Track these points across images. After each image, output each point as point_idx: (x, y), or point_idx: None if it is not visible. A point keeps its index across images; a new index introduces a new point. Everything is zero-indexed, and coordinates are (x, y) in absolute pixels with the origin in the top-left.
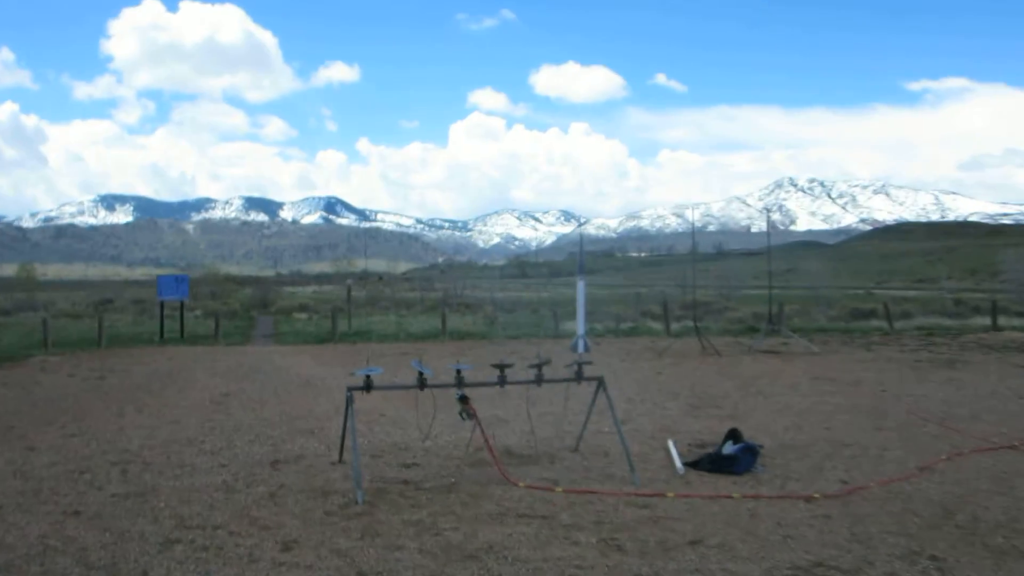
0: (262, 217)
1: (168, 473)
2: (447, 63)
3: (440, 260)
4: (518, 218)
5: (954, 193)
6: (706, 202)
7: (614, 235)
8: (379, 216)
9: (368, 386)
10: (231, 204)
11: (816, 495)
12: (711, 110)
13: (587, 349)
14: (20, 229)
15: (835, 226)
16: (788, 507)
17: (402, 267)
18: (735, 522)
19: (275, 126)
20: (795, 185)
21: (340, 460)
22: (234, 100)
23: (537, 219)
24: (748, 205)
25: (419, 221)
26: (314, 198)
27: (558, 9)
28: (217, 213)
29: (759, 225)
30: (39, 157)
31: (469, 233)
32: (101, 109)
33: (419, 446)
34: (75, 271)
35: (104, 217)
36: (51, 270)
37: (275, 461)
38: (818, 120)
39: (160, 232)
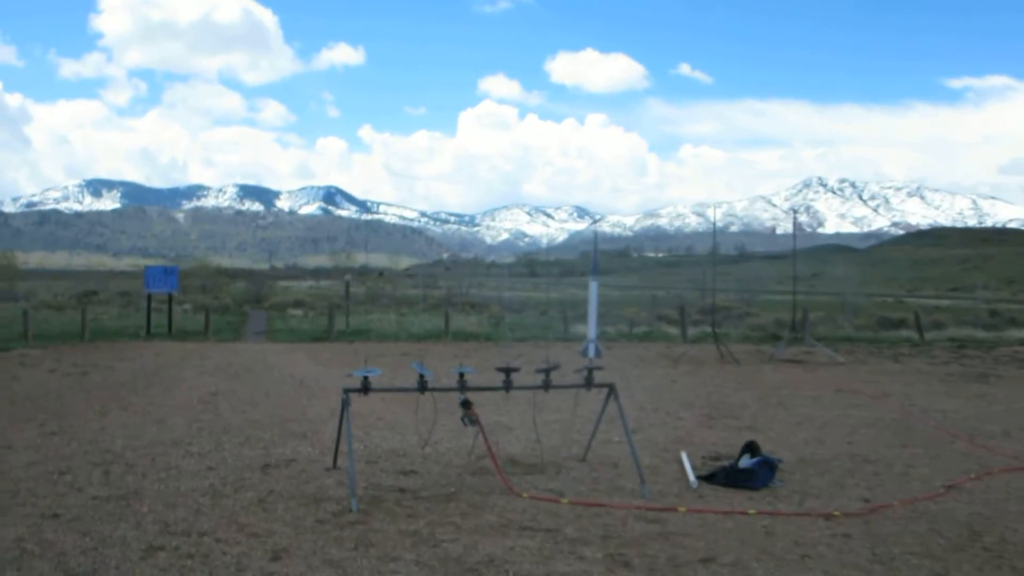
0: (257, 207)
1: (152, 476)
2: (457, 47)
3: (445, 256)
4: (529, 213)
5: (993, 198)
6: (729, 201)
7: (630, 233)
8: (381, 208)
9: (365, 388)
10: (225, 192)
11: (836, 513)
12: (737, 104)
13: (598, 354)
14: (1, 214)
15: (865, 229)
16: (806, 525)
17: (404, 263)
18: (750, 540)
19: (273, 110)
20: (824, 185)
21: (334, 466)
22: (230, 82)
23: (549, 215)
24: (773, 205)
25: (423, 214)
26: (313, 187)
27: None
28: (210, 201)
29: (785, 227)
30: (22, 138)
31: (476, 228)
32: (89, 89)
33: (418, 453)
34: (58, 260)
35: (90, 203)
36: (33, 258)
37: (265, 465)
38: (851, 117)
39: (149, 220)
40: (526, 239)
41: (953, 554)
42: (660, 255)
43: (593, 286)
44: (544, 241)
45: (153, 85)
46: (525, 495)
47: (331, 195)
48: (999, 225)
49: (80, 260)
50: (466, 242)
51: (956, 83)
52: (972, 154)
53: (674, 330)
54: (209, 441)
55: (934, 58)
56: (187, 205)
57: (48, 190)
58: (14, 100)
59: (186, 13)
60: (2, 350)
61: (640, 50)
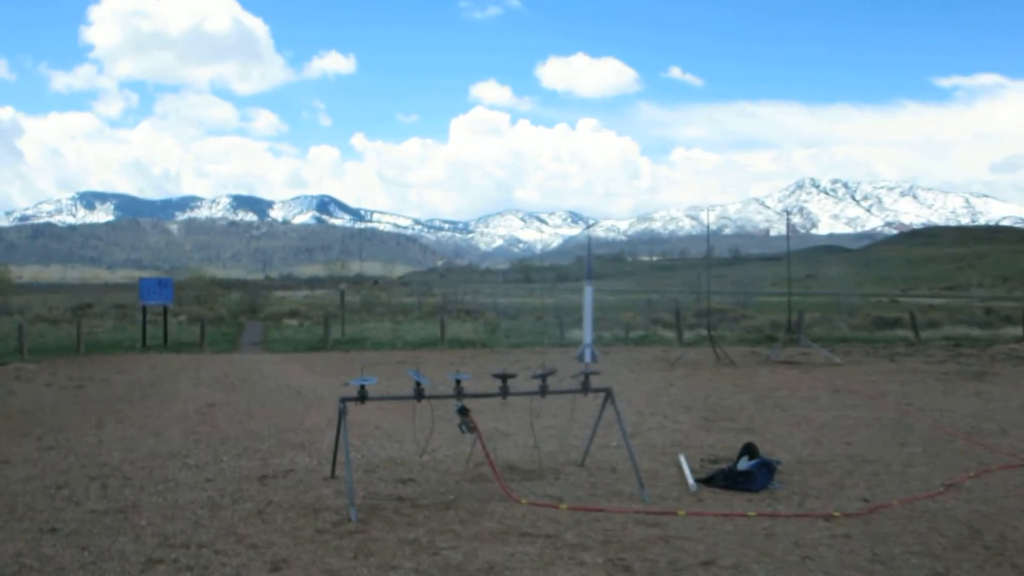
0: (251, 217)
1: (150, 488)
2: (448, 54)
3: (439, 263)
4: (522, 219)
5: (986, 196)
6: (722, 203)
7: (624, 238)
8: (375, 216)
9: (362, 397)
10: (218, 203)
11: (836, 514)
12: (729, 106)
13: (594, 359)
14: None
15: (859, 230)
16: (806, 526)
17: (399, 270)
18: (750, 542)
19: (265, 120)
20: (817, 186)
21: (332, 475)
22: (222, 92)
23: (542, 220)
24: (767, 207)
25: (417, 222)
26: (306, 197)
27: None
28: (203, 212)
29: (778, 228)
30: (14, 152)
31: (470, 235)
32: (81, 101)
33: (416, 461)
34: (53, 273)
35: (83, 216)
36: (27, 272)
37: (263, 476)
38: (842, 117)
39: (143, 232)
40: (520, 245)
41: (953, 553)
42: (654, 259)
43: (588, 291)
44: (538, 247)
45: (144, 96)
46: (524, 501)
47: (324, 204)
48: (992, 223)
49: (74, 273)
50: (460, 249)
51: (946, 82)
52: (964, 153)
53: (670, 334)
54: (206, 453)
55: (923, 57)
56: (181, 216)
57: (41, 203)
58: (6, 113)
59: (177, 24)
60: None
61: (630, 54)
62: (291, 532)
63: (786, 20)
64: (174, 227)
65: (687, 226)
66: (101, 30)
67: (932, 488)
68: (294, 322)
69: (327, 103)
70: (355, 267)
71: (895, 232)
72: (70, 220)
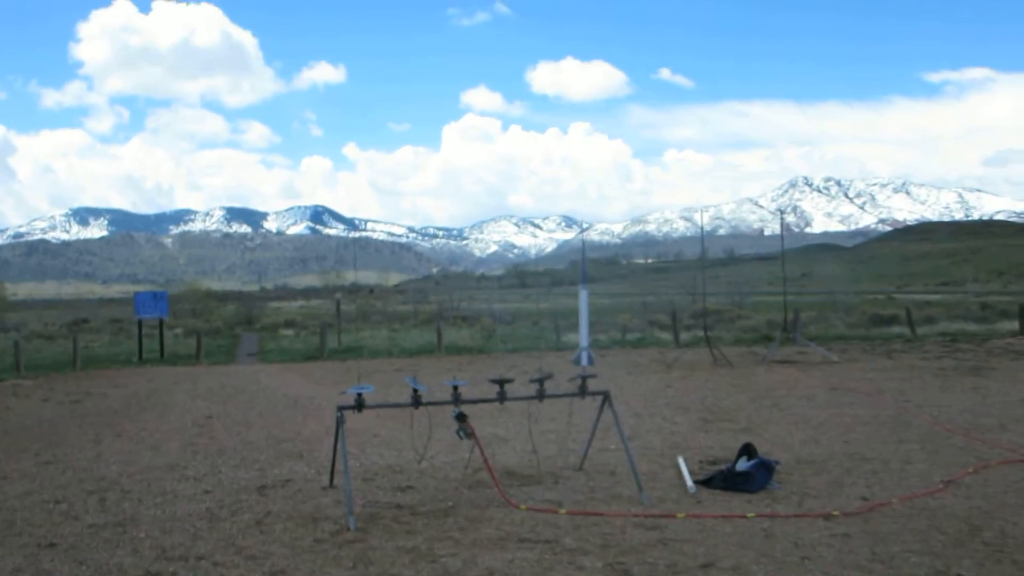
0: (245, 228)
1: (148, 501)
2: (438, 61)
3: (434, 271)
4: (516, 225)
5: (978, 191)
6: (716, 204)
7: (619, 241)
8: (369, 225)
9: (359, 405)
10: (212, 215)
11: (835, 513)
12: (719, 106)
13: (591, 362)
14: None
15: (853, 227)
16: (805, 526)
17: (394, 279)
18: (749, 543)
19: (257, 132)
20: (810, 184)
21: (331, 484)
22: (212, 105)
23: (537, 225)
24: (760, 207)
25: (411, 230)
26: (299, 207)
27: (554, 2)
28: (197, 225)
29: (772, 228)
30: (7, 169)
31: (465, 242)
32: (72, 117)
33: (414, 468)
34: (48, 290)
35: (77, 232)
36: (22, 289)
37: (262, 487)
38: (833, 115)
39: (137, 247)
40: (515, 250)
41: (953, 550)
42: (649, 261)
43: (583, 295)
44: (533, 252)
45: (135, 111)
46: (523, 507)
47: (318, 214)
48: (986, 218)
49: (69, 289)
50: (455, 256)
51: (935, 77)
52: (956, 147)
53: (667, 335)
54: (204, 464)
55: (913, 52)
56: (175, 230)
57: (35, 220)
58: None
59: (166, 38)
60: None
61: (620, 56)
62: (290, 542)
63: (775, 18)
64: (168, 241)
65: (681, 228)
66: (90, 46)
67: (931, 485)
68: (290, 332)
69: (318, 113)
70: (350, 276)
71: (889, 229)
72: (64, 236)
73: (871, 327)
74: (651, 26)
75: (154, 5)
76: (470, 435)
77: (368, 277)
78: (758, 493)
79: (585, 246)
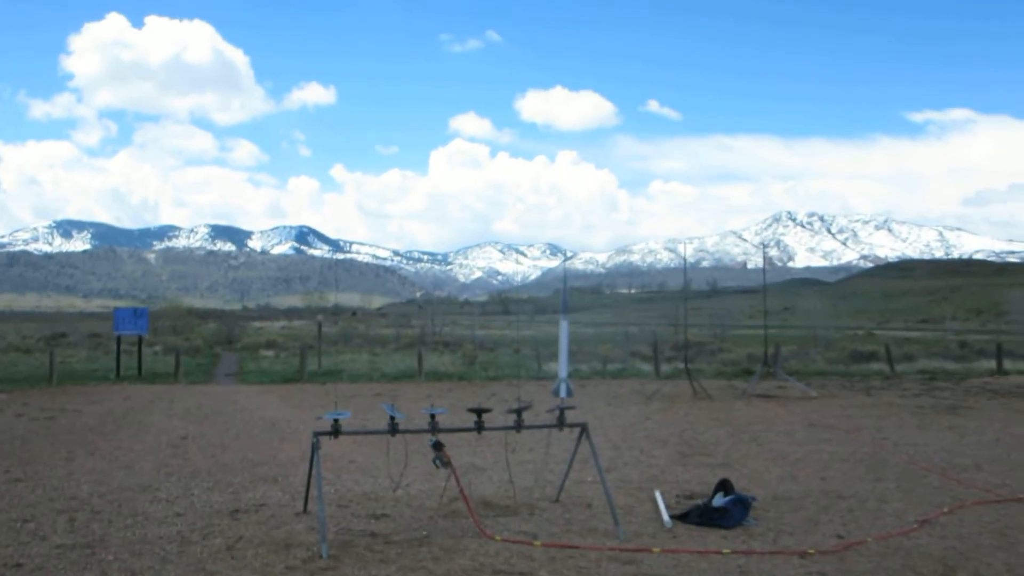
0: (229, 247)
1: (119, 523)
2: (428, 86)
3: (418, 295)
4: (501, 251)
5: (959, 229)
6: (700, 236)
7: (603, 270)
8: (354, 247)
9: (335, 431)
10: (196, 232)
11: (811, 551)
12: (706, 139)
13: (570, 393)
14: None
15: (835, 263)
16: (781, 564)
17: (377, 302)
18: None
19: (244, 150)
20: (793, 219)
21: (304, 510)
22: (201, 122)
23: (521, 252)
24: (744, 240)
25: (396, 253)
26: (285, 227)
27: (546, 32)
28: (181, 242)
29: (755, 261)
30: None
31: (449, 266)
32: (59, 130)
33: (389, 496)
34: (27, 302)
35: (60, 245)
36: (1, 300)
37: (235, 511)
38: (817, 151)
39: (120, 261)
40: (499, 277)
41: None
42: (633, 291)
43: (563, 325)
44: (517, 279)
45: (123, 126)
46: (498, 538)
47: (303, 235)
48: (966, 256)
49: (49, 302)
50: (439, 280)
51: (918, 116)
52: (937, 186)
53: (647, 367)
54: (177, 486)
55: (896, 92)
56: (158, 246)
57: (17, 231)
58: None
59: (157, 54)
60: None
61: (609, 87)
62: (261, 569)
63: (762, 55)
64: (151, 256)
65: (665, 259)
66: (81, 59)
67: (907, 524)
68: (270, 353)
69: (307, 134)
70: (333, 298)
71: (870, 265)
72: (46, 248)
73: (851, 363)
74: (640, 59)
75: (147, 20)
76: (447, 464)
77: (351, 299)
78: (734, 529)
79: (568, 276)
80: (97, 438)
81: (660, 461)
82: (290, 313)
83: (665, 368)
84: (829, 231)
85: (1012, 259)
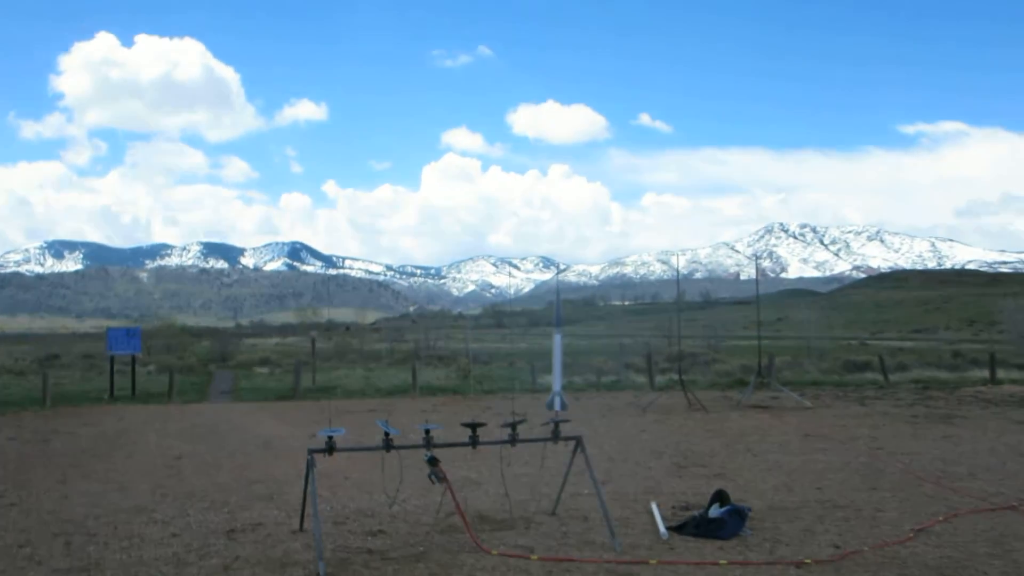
0: (221, 264)
1: (114, 545)
2: (420, 101)
3: (411, 309)
4: (494, 265)
5: (951, 240)
6: (693, 248)
7: (596, 282)
8: (347, 263)
9: (330, 448)
10: (188, 250)
11: (807, 561)
12: (697, 152)
13: (564, 407)
14: None
15: (827, 273)
16: (777, 574)
17: (371, 317)
18: None
19: (236, 167)
20: (786, 231)
21: (301, 528)
22: (192, 140)
23: (515, 266)
24: (737, 251)
25: (389, 268)
26: (277, 244)
27: (537, 46)
28: (173, 260)
29: (748, 272)
30: None
31: (443, 281)
32: (49, 150)
33: (386, 512)
34: (19, 323)
35: (52, 265)
36: None
37: (231, 530)
38: (809, 163)
39: (112, 281)
40: (493, 290)
41: None
42: (626, 303)
43: (557, 339)
44: (511, 292)
45: (114, 145)
46: (495, 552)
47: (296, 251)
48: (958, 266)
49: (42, 323)
50: (432, 295)
51: (910, 128)
52: (928, 198)
53: (642, 378)
54: (173, 507)
55: (888, 104)
56: (150, 264)
57: (8, 253)
58: None
59: (147, 72)
60: None
61: (600, 101)
62: None
63: (752, 68)
64: (144, 275)
65: (658, 270)
66: (71, 79)
67: (902, 534)
68: (265, 370)
69: (298, 150)
70: (327, 314)
71: (863, 276)
72: (38, 269)
73: (844, 373)
74: (631, 73)
75: (136, 39)
76: (442, 479)
77: (345, 315)
78: (731, 540)
79: (562, 288)
80: (91, 460)
81: (656, 473)
82: (284, 329)
83: (659, 380)
84: (822, 242)
85: (1004, 269)
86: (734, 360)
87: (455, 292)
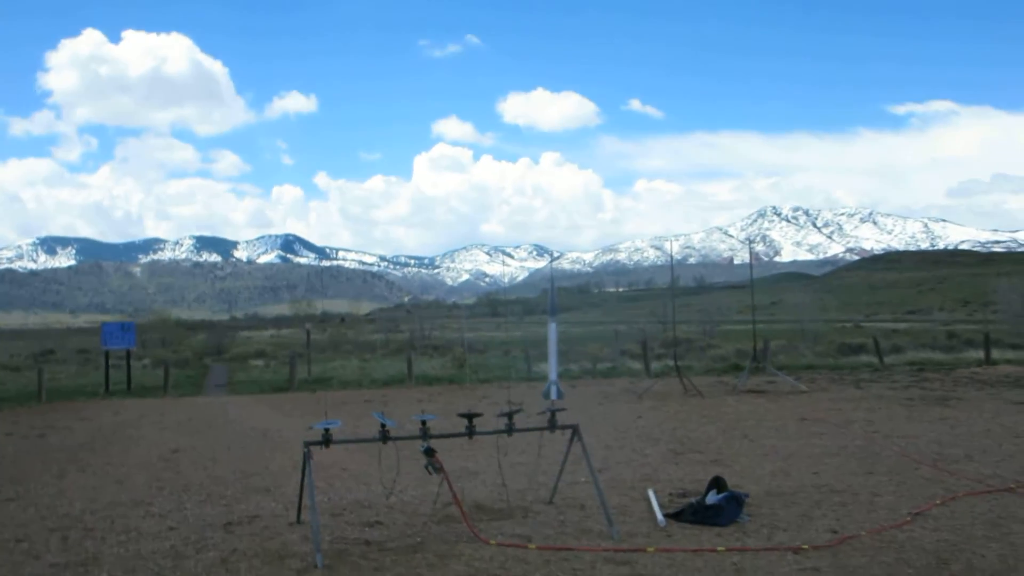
0: (215, 257)
1: (111, 539)
2: (410, 91)
3: (406, 299)
4: (488, 253)
5: (943, 220)
6: (686, 233)
7: (590, 269)
8: (340, 254)
9: (326, 441)
10: (181, 244)
11: (804, 546)
12: (689, 137)
13: (560, 395)
14: None
15: (821, 256)
16: (775, 560)
17: (365, 308)
18: None
19: (227, 161)
20: (779, 214)
21: (298, 520)
22: (183, 134)
23: (508, 254)
24: (730, 236)
25: (383, 259)
26: (270, 236)
27: (525, 34)
28: (166, 254)
29: (742, 256)
30: None
31: (436, 270)
32: (39, 147)
33: (383, 503)
34: (14, 320)
35: (45, 261)
36: None
37: (228, 523)
38: (801, 146)
39: (105, 276)
40: (487, 279)
41: None
42: (621, 290)
43: (552, 327)
44: (505, 280)
45: (104, 140)
46: (492, 542)
47: (289, 243)
48: (951, 247)
49: (36, 319)
50: (427, 285)
51: (900, 109)
52: (921, 178)
53: (637, 365)
54: (170, 500)
55: (878, 85)
56: (144, 259)
57: (1, 250)
58: None
59: (136, 67)
60: None
61: (590, 88)
62: None
63: (742, 52)
64: (137, 270)
65: (652, 256)
66: (59, 76)
67: (899, 517)
68: (260, 362)
69: (289, 143)
70: (321, 305)
71: (856, 258)
72: (31, 265)
73: (839, 356)
74: (620, 59)
75: (124, 34)
76: (439, 470)
77: (339, 306)
78: (728, 526)
79: (556, 276)
80: (88, 454)
81: (652, 460)
82: (278, 322)
83: (655, 366)
84: (814, 225)
85: (997, 249)
86: (729, 345)
87: (449, 282)
